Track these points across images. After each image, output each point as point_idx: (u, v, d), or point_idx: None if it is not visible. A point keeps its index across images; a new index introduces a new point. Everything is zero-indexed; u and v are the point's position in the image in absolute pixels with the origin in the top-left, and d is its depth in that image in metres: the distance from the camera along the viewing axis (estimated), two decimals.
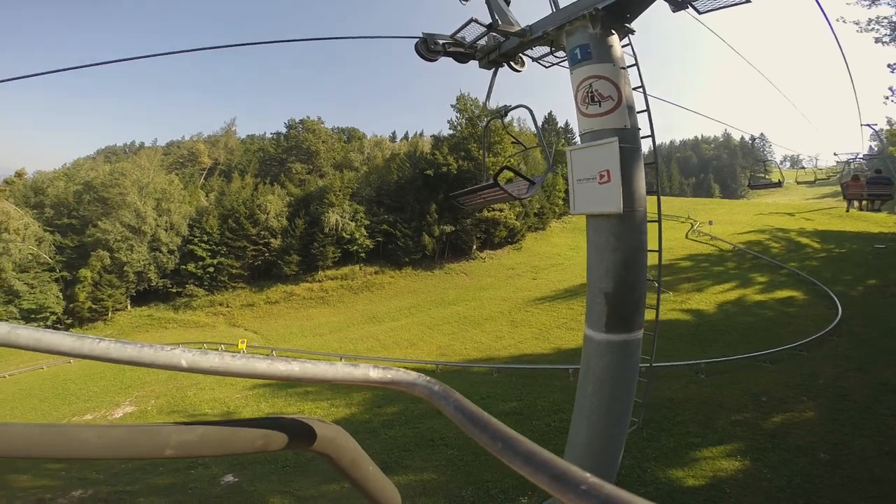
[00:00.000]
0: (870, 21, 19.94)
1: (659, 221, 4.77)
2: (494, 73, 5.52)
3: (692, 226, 47.16)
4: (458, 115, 51.71)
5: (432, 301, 39.43)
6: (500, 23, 4.67)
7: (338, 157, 68.78)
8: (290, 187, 56.34)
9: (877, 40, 20.18)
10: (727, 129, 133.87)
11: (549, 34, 4.55)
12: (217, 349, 33.69)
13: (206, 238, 49.85)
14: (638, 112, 4.46)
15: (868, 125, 16.40)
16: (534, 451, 0.50)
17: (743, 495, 8.61)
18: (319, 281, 48.15)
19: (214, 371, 0.58)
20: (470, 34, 4.90)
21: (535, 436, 12.79)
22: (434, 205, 46.71)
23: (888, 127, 52.17)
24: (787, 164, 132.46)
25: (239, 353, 0.61)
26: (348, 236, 47.06)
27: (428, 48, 4.97)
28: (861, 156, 18.36)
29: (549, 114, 77.20)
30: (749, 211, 56.25)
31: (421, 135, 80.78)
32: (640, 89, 4.46)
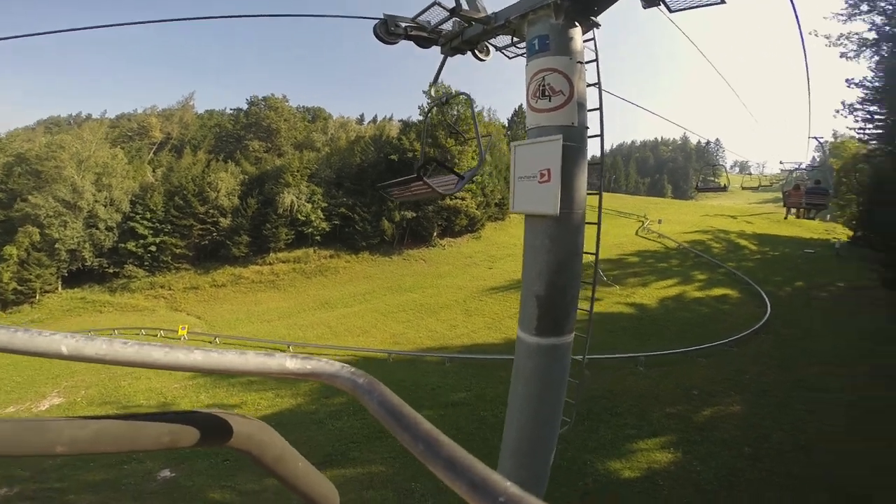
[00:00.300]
0: (840, 36, 20.67)
1: (598, 224, 4.77)
2: (445, 59, 5.33)
3: (643, 223, 49.10)
4: (430, 101, 51.18)
5: (389, 287, 39.14)
6: (463, 7, 4.45)
7: (300, 136, 66.62)
8: (246, 165, 54.00)
9: (842, 55, 20.97)
10: (686, 133, 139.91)
11: (511, 22, 4.36)
12: (156, 335, 32.00)
13: (149, 215, 47.00)
14: (591, 110, 4.39)
15: (815, 138, 17.15)
16: (456, 455, 0.46)
17: (674, 487, 9.08)
18: (270, 264, 46.64)
19: (101, 359, 0.52)
20: (434, 17, 4.67)
21: (485, 428, 12.97)
22: None
23: (833, 139, 56.02)
24: (737, 169, 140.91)
25: (134, 340, 0.53)
26: (303, 218, 45.75)
27: (388, 30, 4.71)
28: (804, 165, 19.73)
29: (519, 107, 77.72)
30: (696, 212, 59.20)
31: (390, 119, 79.34)
32: (597, 86, 4.39)
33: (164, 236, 46.50)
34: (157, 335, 32.18)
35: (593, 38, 4.31)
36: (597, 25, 4.27)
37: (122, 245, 45.51)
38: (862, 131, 34.11)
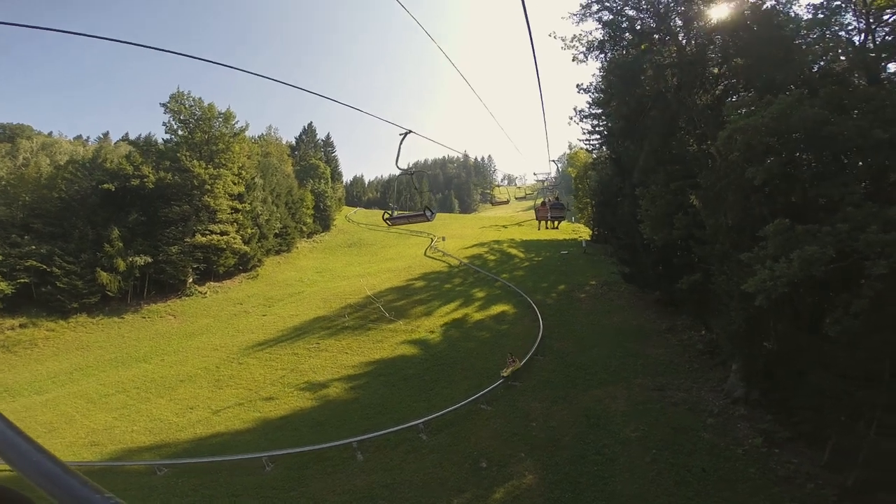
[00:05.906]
0: (573, 38, 19.33)
1: None
2: None
3: (431, 241, 48.92)
4: (172, 117, 40.91)
5: (111, 359, 28.37)
6: None
7: None
8: None
9: (574, 58, 19.70)
10: (466, 151, 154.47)
11: None
12: None
13: None
14: None
15: (553, 161, 21.90)
16: (54, 472, 0.50)
17: None
18: None
19: None
20: None
21: None
22: (117, 230, 34.53)
23: (569, 150, 65.33)
24: (506, 181, 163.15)
25: None
26: None
27: None
28: (552, 176, 22.21)
29: (310, 125, 70.57)
30: (475, 225, 63.02)
31: (105, 136, 63.05)
32: None
33: None
34: None
35: None
36: None
37: None
38: (587, 141, 39.75)
